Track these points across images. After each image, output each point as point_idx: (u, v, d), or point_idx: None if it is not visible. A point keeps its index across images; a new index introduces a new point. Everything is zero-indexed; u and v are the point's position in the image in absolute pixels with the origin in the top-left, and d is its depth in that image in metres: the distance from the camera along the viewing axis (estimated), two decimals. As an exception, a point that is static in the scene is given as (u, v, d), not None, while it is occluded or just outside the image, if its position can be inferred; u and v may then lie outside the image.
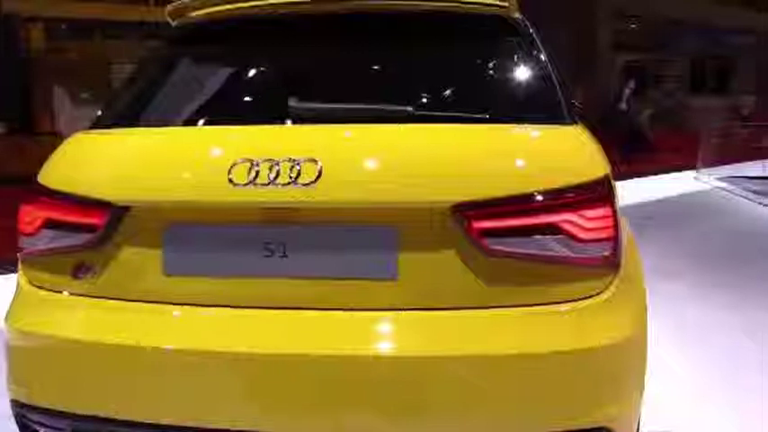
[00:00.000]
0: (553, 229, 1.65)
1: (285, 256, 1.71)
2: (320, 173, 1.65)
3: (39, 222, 1.86)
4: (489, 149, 1.76)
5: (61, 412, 1.79)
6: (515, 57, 2.08)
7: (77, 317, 1.81)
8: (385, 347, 1.67)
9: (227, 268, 1.75)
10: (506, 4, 2.16)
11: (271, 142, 1.77)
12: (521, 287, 1.68)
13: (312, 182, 1.65)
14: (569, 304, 1.69)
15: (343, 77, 2.10)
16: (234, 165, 1.68)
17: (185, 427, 1.71)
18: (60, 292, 1.86)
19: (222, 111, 2.05)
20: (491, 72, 2.11)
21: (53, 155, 2.01)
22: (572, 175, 1.71)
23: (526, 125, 1.85)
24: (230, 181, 1.67)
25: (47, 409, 1.81)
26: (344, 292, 1.71)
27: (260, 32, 2.20)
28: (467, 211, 1.65)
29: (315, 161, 1.66)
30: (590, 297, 1.70)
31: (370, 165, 1.71)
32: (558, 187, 1.68)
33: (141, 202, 1.77)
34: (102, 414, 1.76)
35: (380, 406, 1.64)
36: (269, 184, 1.66)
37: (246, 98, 2.13)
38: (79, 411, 1.77)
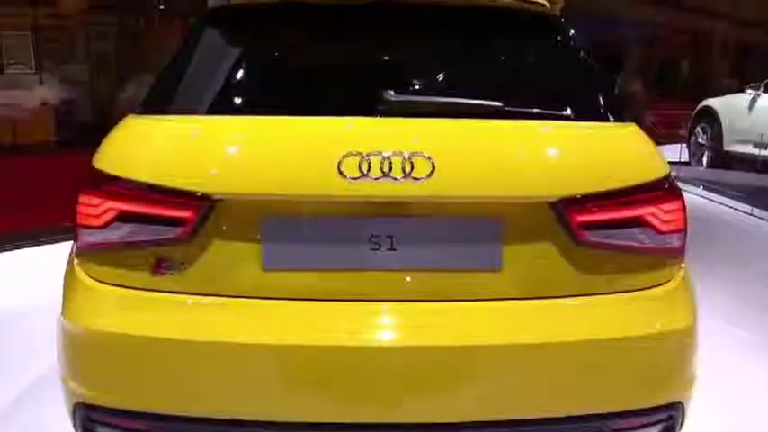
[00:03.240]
0: (640, 222, 1.79)
1: (393, 249, 1.73)
2: (433, 168, 1.67)
3: (112, 214, 1.73)
4: (583, 146, 1.86)
5: (144, 413, 1.73)
6: (582, 58, 2.18)
7: (166, 315, 1.73)
8: (497, 336, 1.71)
9: (332, 262, 1.74)
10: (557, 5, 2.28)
11: (377, 135, 1.75)
12: (609, 275, 1.80)
13: (426, 177, 1.66)
14: (652, 290, 1.83)
15: (424, 70, 2.10)
16: (344, 157, 1.66)
17: (290, 423, 1.71)
18: (135, 288, 1.76)
19: (310, 101, 1.96)
20: (563, 71, 2.18)
21: (112, 141, 1.88)
22: (652, 171, 1.84)
23: (604, 124, 1.99)
24: (341, 174, 1.66)
25: (125, 411, 1.74)
26: (451, 283, 1.76)
27: (338, 18, 2.16)
28: (570, 204, 1.74)
29: (427, 156, 1.67)
30: (667, 282, 1.86)
31: (481, 160, 1.74)
32: (642, 183, 1.80)
33: (243, 195, 1.71)
34: (192, 413, 1.72)
35: (497, 389, 1.70)
36: (381, 178, 1.66)
37: (334, 88, 2.03)
38: (165, 411, 1.72)
